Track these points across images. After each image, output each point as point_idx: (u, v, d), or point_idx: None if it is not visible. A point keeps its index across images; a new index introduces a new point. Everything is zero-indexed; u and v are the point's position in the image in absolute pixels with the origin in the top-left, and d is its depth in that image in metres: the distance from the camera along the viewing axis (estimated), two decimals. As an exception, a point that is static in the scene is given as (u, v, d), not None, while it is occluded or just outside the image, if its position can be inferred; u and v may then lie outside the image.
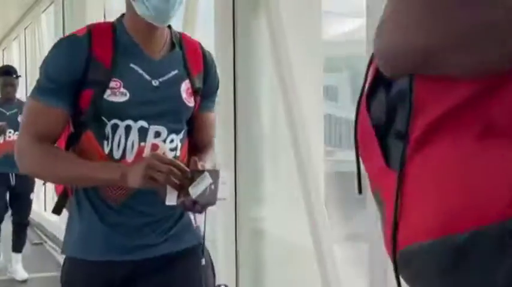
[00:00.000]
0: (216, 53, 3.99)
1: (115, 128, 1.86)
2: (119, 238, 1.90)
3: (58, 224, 7.68)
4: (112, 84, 1.85)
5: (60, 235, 8.20)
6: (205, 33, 4.44)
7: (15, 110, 6.08)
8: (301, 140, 3.19)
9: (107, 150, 1.87)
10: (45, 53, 6.82)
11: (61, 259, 7.62)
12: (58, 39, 1.98)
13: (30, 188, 6.21)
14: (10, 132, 5.98)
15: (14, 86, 6.17)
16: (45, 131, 1.87)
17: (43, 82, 1.90)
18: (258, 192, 4.06)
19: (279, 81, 3.38)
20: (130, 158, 1.86)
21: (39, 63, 6.73)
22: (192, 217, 2.02)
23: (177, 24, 4.66)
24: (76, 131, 1.92)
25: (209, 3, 4.14)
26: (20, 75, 6.30)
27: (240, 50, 3.88)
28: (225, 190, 1.76)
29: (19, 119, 5.81)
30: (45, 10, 9.33)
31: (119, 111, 1.86)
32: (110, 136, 1.87)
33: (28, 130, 1.89)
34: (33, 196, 6.34)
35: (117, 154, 1.87)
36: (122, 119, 1.86)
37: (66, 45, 1.90)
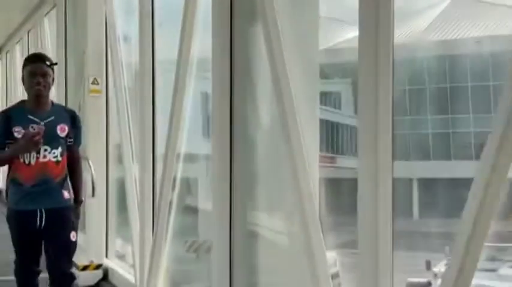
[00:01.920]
0: (213, 60, 4.03)
1: None
2: None
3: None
4: None
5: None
6: (204, 41, 4.47)
7: (52, 118, 4.23)
8: (295, 146, 3.21)
9: None
10: (48, 55, 6.62)
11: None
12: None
13: (68, 224, 4.30)
14: (46, 150, 4.15)
15: (46, 79, 4.18)
16: None
17: None
18: (253, 197, 4.09)
19: (274, 88, 3.40)
20: None
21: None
22: None
23: (175, 30, 4.72)
24: None
25: (207, 11, 4.17)
26: (56, 63, 4.42)
27: (236, 57, 3.91)
28: None
29: (58, 131, 4.21)
30: (47, 13, 9.38)
31: None
32: None
33: None
34: (75, 236, 4.32)
35: None
36: None
37: None
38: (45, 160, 4.15)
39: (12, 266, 4.48)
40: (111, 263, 6.57)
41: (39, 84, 4.14)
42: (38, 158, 4.12)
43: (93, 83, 6.63)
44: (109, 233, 6.74)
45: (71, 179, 4.41)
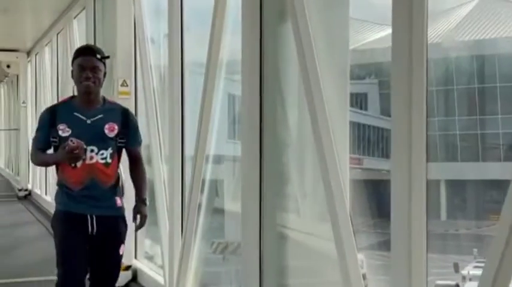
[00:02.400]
0: (243, 58, 4.03)
1: None
2: None
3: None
4: None
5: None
6: (233, 39, 4.47)
7: (100, 116, 3.85)
8: (326, 147, 3.20)
9: None
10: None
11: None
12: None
13: (119, 237, 3.91)
14: (92, 151, 3.78)
15: (96, 74, 3.81)
16: None
17: None
18: (283, 198, 4.08)
19: (305, 89, 3.40)
20: None
21: (70, 68, 6.79)
22: None
23: (205, 29, 4.73)
24: None
25: (237, 8, 4.18)
26: (108, 56, 3.97)
27: (266, 58, 3.91)
28: None
29: (106, 130, 3.81)
30: (77, 16, 9.48)
31: None
32: None
33: None
34: (123, 250, 3.94)
35: None
36: None
37: None
38: (93, 161, 3.76)
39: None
40: (140, 264, 6.60)
41: (88, 79, 3.77)
42: (84, 160, 3.73)
43: (122, 85, 6.68)
44: (138, 234, 6.77)
45: (132, 177, 4.05)
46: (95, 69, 3.80)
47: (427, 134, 2.55)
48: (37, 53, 13.75)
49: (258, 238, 3.93)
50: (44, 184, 12.77)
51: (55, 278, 3.83)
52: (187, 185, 5.24)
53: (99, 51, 3.94)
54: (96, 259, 3.83)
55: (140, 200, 4.02)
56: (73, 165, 3.75)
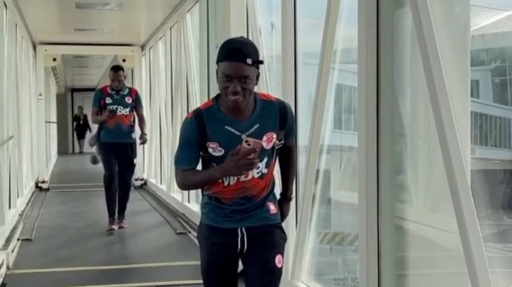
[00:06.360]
0: (360, 46, 3.98)
1: None
2: None
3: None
4: None
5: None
6: (349, 23, 4.42)
7: (257, 126, 3.19)
8: (449, 138, 3.11)
9: None
10: (190, 51, 6.88)
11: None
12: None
13: (275, 246, 3.32)
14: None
15: (246, 84, 3.03)
16: None
17: None
18: (399, 189, 4.01)
19: (426, 76, 3.31)
20: None
21: (184, 62, 7.03)
22: None
23: (319, 15, 4.71)
24: None
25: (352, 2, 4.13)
26: (262, 61, 3.09)
27: (383, 40, 3.83)
28: None
29: (265, 143, 3.18)
30: (190, 9, 9.69)
31: None
32: None
33: None
34: (282, 262, 3.34)
35: None
36: None
37: None
38: (248, 178, 3.19)
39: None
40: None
41: (235, 93, 3.01)
42: (238, 178, 3.18)
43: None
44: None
45: (281, 169, 3.48)
46: (244, 79, 3.00)
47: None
48: (151, 47, 14.16)
49: (376, 229, 3.89)
50: (159, 173, 13.19)
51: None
52: (301, 175, 5.25)
53: (251, 52, 3.05)
54: (249, 272, 3.27)
55: (285, 197, 3.50)
56: (225, 184, 3.21)
